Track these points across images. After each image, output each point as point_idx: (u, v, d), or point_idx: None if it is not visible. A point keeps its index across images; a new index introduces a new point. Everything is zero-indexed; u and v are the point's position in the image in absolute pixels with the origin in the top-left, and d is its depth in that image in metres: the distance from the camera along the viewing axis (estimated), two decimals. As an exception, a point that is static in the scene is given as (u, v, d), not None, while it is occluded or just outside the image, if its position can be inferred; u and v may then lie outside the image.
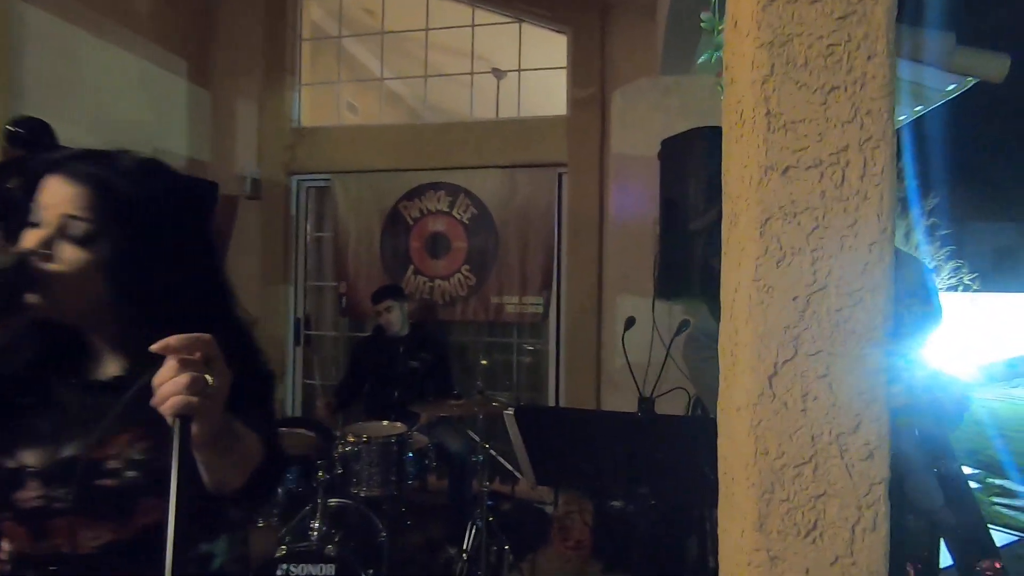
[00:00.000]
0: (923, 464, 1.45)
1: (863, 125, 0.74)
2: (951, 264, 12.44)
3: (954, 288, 12.00)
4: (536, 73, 3.93)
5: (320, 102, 4.31)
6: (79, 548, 0.74)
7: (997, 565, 1.95)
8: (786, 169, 0.76)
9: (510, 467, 3.04)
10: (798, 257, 0.75)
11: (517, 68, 3.83)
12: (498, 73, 4.40)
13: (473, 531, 2.48)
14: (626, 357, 2.14)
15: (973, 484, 4.75)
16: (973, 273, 12.43)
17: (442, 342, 3.27)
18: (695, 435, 0.97)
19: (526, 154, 3.54)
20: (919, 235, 12.96)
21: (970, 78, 3.07)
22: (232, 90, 3.71)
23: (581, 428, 1.15)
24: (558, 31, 3.56)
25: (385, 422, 2.44)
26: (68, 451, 0.74)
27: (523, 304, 3.51)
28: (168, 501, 0.59)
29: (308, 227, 3.89)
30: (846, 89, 0.74)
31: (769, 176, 0.76)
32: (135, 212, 0.75)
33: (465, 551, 2.51)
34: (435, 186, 3.63)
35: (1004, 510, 4.09)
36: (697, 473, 0.87)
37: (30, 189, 0.75)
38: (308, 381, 3.89)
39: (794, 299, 0.75)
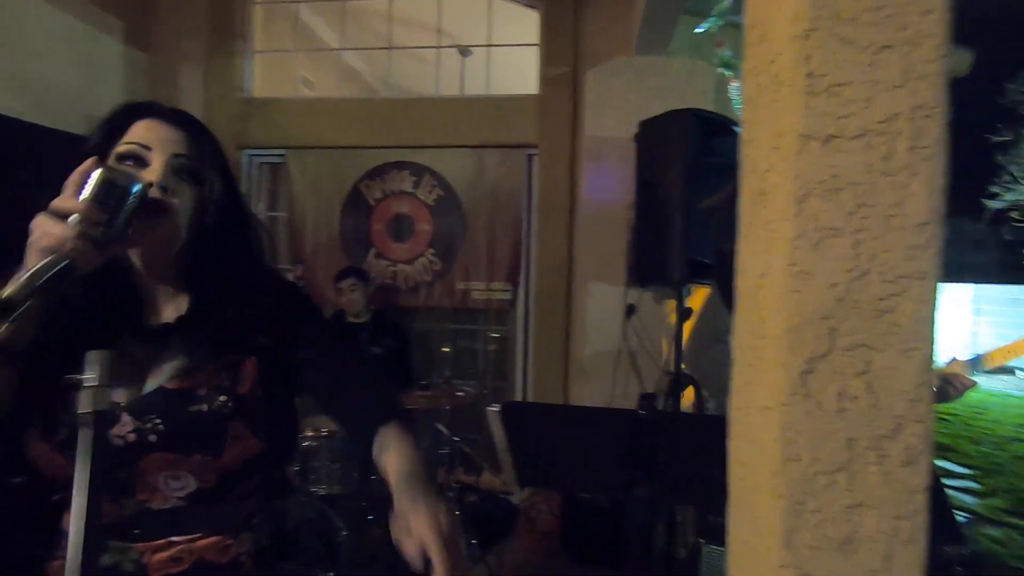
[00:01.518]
0: None
1: (915, 91, 0.65)
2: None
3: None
4: (506, 50, 3.78)
5: (274, 72, 4.03)
6: (165, 500, 0.77)
7: (962, 551, 1.98)
8: (828, 138, 0.66)
9: (476, 459, 2.94)
10: (838, 239, 0.67)
11: (486, 44, 3.67)
12: (464, 51, 4.23)
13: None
14: (637, 345, 2.05)
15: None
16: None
17: (405, 329, 3.13)
18: (704, 434, 0.89)
19: (495, 134, 3.41)
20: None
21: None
22: (174, 54, 3.41)
23: (574, 427, 1.06)
24: (529, 6, 3.42)
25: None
26: (152, 386, 0.78)
27: (490, 290, 3.40)
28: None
29: (260, 206, 3.64)
30: (897, 48, 0.65)
31: (808, 146, 0.67)
32: (219, 155, 0.85)
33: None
34: (399, 165, 3.45)
35: (947, 491, 4.28)
36: (703, 475, 0.78)
37: (112, 133, 0.79)
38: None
39: (832, 286, 0.67)
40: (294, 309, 0.88)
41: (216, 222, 0.81)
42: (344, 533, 2.21)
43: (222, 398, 0.79)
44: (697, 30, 1.51)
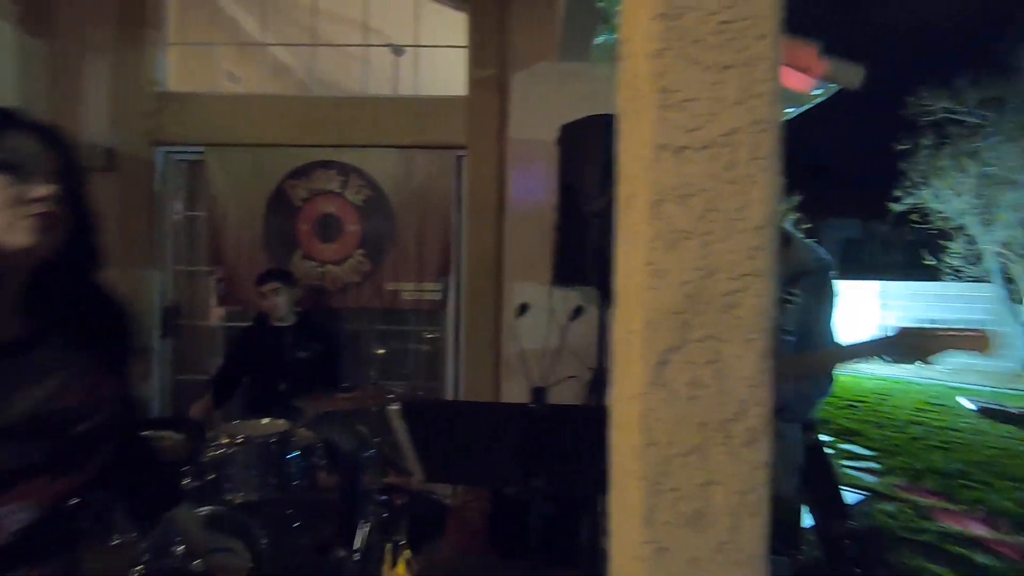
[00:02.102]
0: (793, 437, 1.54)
1: (752, 108, 0.72)
2: (811, 255, 13.96)
3: (813, 276, 13.48)
4: (437, 50, 3.79)
5: (192, 66, 3.86)
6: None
7: (848, 526, 2.16)
8: (679, 149, 0.73)
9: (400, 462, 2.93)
10: (687, 241, 0.73)
11: (414, 44, 3.66)
12: (396, 50, 4.20)
13: (365, 529, 2.36)
14: (538, 344, 2.11)
15: (826, 450, 5.35)
16: (828, 263, 14.05)
17: (333, 331, 3.08)
18: (590, 425, 0.94)
19: (424, 135, 3.40)
20: (787, 227, 14.40)
21: (832, 85, 3.37)
22: (78, 44, 3.19)
23: (471, 421, 1.09)
24: (457, 8, 3.44)
25: (265, 420, 2.24)
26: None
27: (420, 291, 3.39)
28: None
29: (177, 205, 3.48)
30: (737, 69, 0.72)
31: (663, 155, 0.73)
32: (80, 171, 0.82)
33: (356, 550, 2.39)
34: (325, 165, 3.38)
35: (852, 472, 4.64)
36: (593, 464, 0.84)
37: None
38: (181, 377, 3.51)
39: (684, 284, 0.73)
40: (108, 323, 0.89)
41: (70, 241, 0.80)
42: (264, 542, 2.16)
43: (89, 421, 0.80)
44: (596, 41, 1.59)
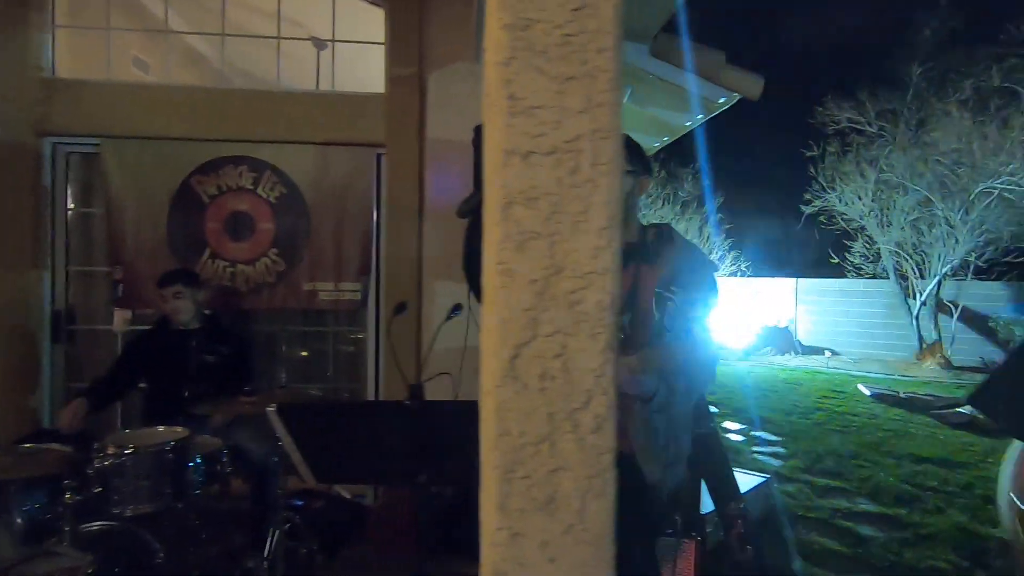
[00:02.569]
0: (644, 429, 1.60)
1: (595, 116, 0.77)
2: (732, 253, 14.77)
3: (733, 273, 14.27)
4: (361, 46, 3.72)
5: (87, 50, 3.60)
6: None
7: (740, 507, 2.31)
8: (527, 154, 0.77)
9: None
10: (536, 241, 0.77)
11: (331, 39, 3.58)
12: (318, 43, 4.09)
13: (276, 535, 2.29)
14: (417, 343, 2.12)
15: (738, 437, 5.68)
16: (747, 261, 14.92)
17: (242, 333, 2.96)
18: (462, 419, 0.97)
19: (343, 132, 3.34)
20: (711, 227, 15.15)
21: (735, 93, 3.58)
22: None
23: (348, 420, 1.09)
24: (375, 4, 3.39)
25: (161, 427, 2.13)
26: None
27: (339, 291, 3.33)
28: None
29: (69, 201, 3.24)
30: (580, 79, 0.77)
31: (511, 160, 0.77)
32: None
33: (266, 558, 2.32)
34: (236, 160, 3.26)
35: (760, 457, 4.96)
36: (468, 458, 0.87)
37: None
38: (75, 385, 3.27)
39: (533, 282, 0.77)
40: None
41: None
42: (161, 556, 2.06)
43: None
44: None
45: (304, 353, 3.76)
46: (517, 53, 0.76)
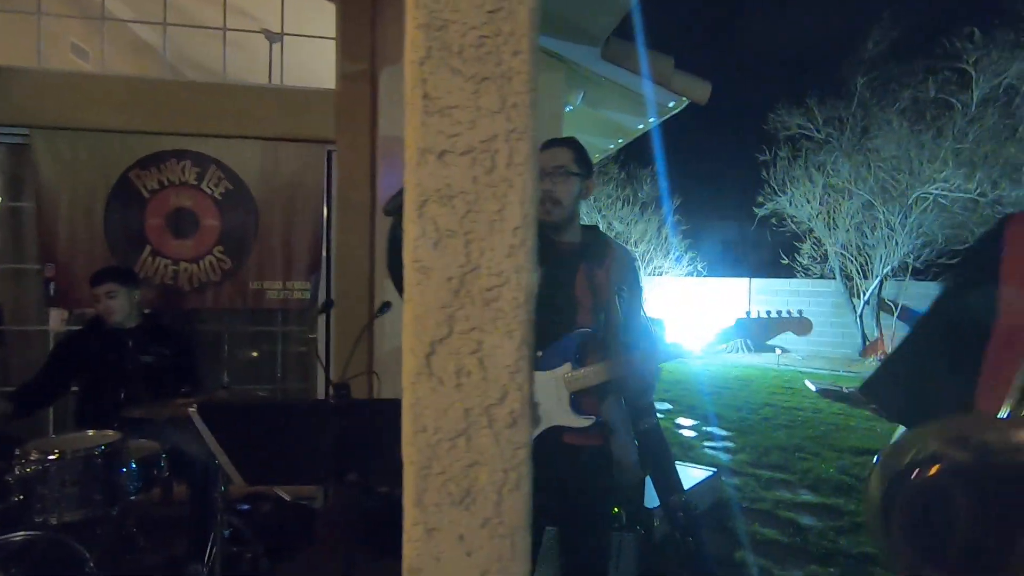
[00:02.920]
0: (624, 430, 1.68)
1: (510, 117, 0.78)
2: (689, 254, 15.15)
3: (690, 273, 14.65)
4: (314, 40, 3.65)
5: (17, 35, 3.42)
6: None
7: (682, 499, 2.38)
8: (442, 153, 0.78)
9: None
10: (454, 239, 0.78)
11: (281, 32, 3.51)
12: (270, 36, 4.00)
13: (217, 541, 2.23)
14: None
15: (691, 433, 5.83)
16: (704, 261, 15.33)
17: (183, 333, 2.87)
18: (388, 417, 0.97)
19: (293, 127, 3.28)
20: (668, 229, 15.50)
21: (685, 98, 3.68)
22: None
23: (273, 420, 1.08)
24: (326, -2, 3.34)
25: (91, 431, 2.05)
26: None
27: (288, 290, 3.26)
28: None
29: (-4, 194, 3.08)
30: (495, 80, 0.78)
31: (426, 158, 0.77)
32: None
33: (206, 564, 2.26)
34: (179, 154, 3.15)
35: (711, 451, 5.10)
36: (396, 456, 0.87)
37: None
38: (3, 388, 3.10)
39: (449, 279, 0.78)
40: None
41: None
42: (91, 566, 1.98)
43: None
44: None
45: (254, 354, 3.67)
46: (432, 53, 0.77)
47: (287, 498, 2.99)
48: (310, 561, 2.81)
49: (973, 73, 10.32)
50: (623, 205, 14.96)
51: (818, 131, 12.63)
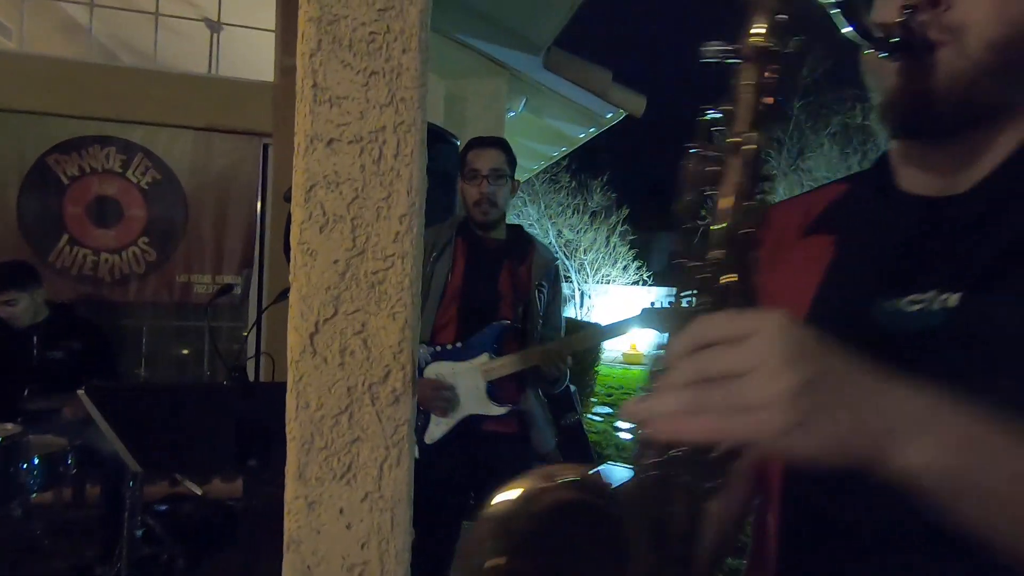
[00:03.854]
0: (543, 420, 1.73)
1: (399, 110, 0.83)
2: (636, 263, 15.55)
3: (636, 283, 15.04)
4: (251, 31, 3.59)
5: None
6: None
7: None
8: (330, 141, 0.81)
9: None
10: (341, 223, 0.82)
11: (218, 20, 3.44)
12: (211, 24, 3.90)
13: (128, 542, 2.15)
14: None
15: (627, 435, 6.01)
16: (651, 272, 15.77)
17: (95, 326, 2.74)
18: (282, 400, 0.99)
19: (227, 118, 3.20)
20: (616, 238, 15.86)
21: (622, 110, 3.82)
22: None
23: (168, 403, 1.07)
24: (266, -10, 3.30)
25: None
26: None
27: (217, 283, 3.18)
28: None
29: None
30: (384, 75, 0.82)
31: (315, 146, 0.81)
32: None
33: (115, 565, 2.17)
34: (103, 140, 3.03)
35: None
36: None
37: None
38: None
39: (335, 262, 0.82)
40: None
41: None
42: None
43: None
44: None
45: (185, 351, 3.55)
46: (323, 46, 0.81)
47: (229, 500, 2.91)
48: (231, 561, 2.74)
49: (895, 102, 11.14)
50: (573, 213, 15.22)
51: (758, 150, 13.27)
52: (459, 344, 1.60)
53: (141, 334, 3.18)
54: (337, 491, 0.82)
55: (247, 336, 3.30)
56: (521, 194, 14.64)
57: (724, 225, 0.35)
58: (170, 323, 3.28)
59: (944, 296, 0.40)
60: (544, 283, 1.71)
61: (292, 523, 0.82)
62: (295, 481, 0.81)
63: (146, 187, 3.08)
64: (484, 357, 1.58)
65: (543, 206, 14.74)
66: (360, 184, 0.82)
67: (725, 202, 0.35)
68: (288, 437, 0.82)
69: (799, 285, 0.49)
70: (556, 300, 1.76)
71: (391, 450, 0.84)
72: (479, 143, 1.72)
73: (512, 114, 4.00)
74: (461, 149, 1.81)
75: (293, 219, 0.81)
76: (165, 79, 3.20)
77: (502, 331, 1.62)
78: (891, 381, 0.32)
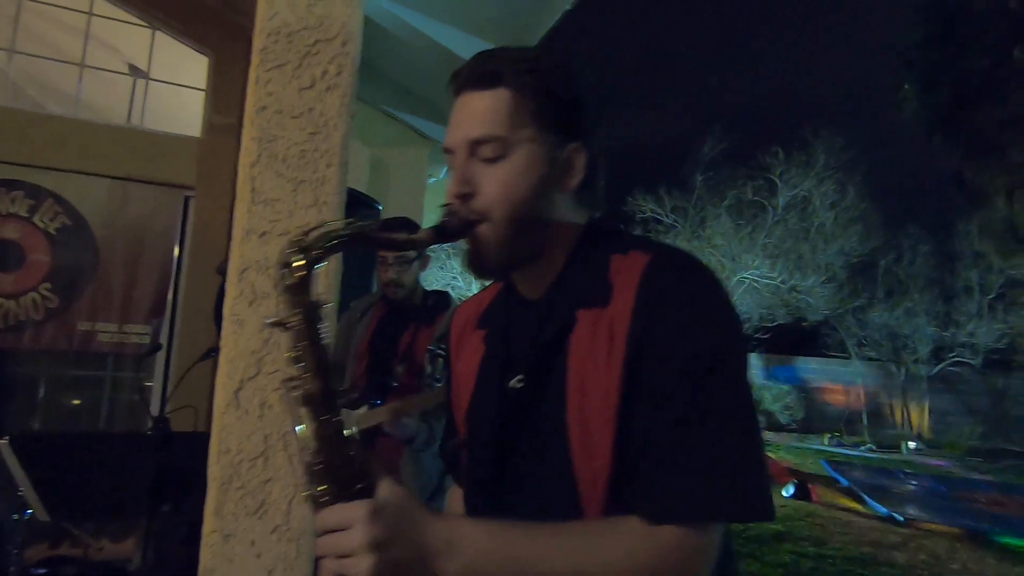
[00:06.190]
0: (413, 480, 1.82)
1: (321, 211, 1.05)
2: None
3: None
4: (177, 79, 3.67)
5: None
6: None
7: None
8: (263, 233, 1.01)
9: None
10: (267, 300, 1.01)
11: (146, 76, 3.52)
12: (138, 72, 3.94)
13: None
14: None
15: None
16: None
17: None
18: (203, 450, 1.11)
19: (148, 169, 3.24)
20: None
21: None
22: None
23: (89, 452, 1.15)
24: (199, 52, 3.45)
25: None
26: None
27: (123, 333, 3.12)
28: None
29: None
30: (311, 184, 1.04)
31: (250, 237, 1.00)
32: None
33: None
34: (9, 184, 2.98)
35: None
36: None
37: None
38: None
39: (261, 331, 1.00)
40: None
41: None
42: None
43: None
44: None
45: (76, 401, 3.39)
46: (262, 158, 1.01)
47: (121, 561, 2.76)
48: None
49: (779, 183, 12.64)
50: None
51: (667, 216, 14.43)
52: (355, 395, 1.75)
53: (38, 383, 3.04)
54: (250, 525, 0.97)
55: (153, 386, 3.23)
56: (445, 247, 14.94)
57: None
58: (68, 372, 3.16)
59: (519, 377, 0.59)
60: (445, 346, 1.90)
61: (207, 554, 0.95)
62: (213, 516, 0.95)
63: (53, 232, 3.04)
64: (364, 408, 1.71)
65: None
66: (286, 268, 1.01)
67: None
68: (209, 478, 0.97)
69: (470, 371, 0.67)
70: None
71: (299, 488, 1.00)
72: (386, 225, 1.82)
73: (434, 180, 4.28)
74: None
75: (227, 295, 0.99)
76: (82, 127, 3.22)
77: (383, 386, 1.77)
78: (436, 521, 0.50)
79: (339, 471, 0.52)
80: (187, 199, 3.33)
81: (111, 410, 3.26)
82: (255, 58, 1.02)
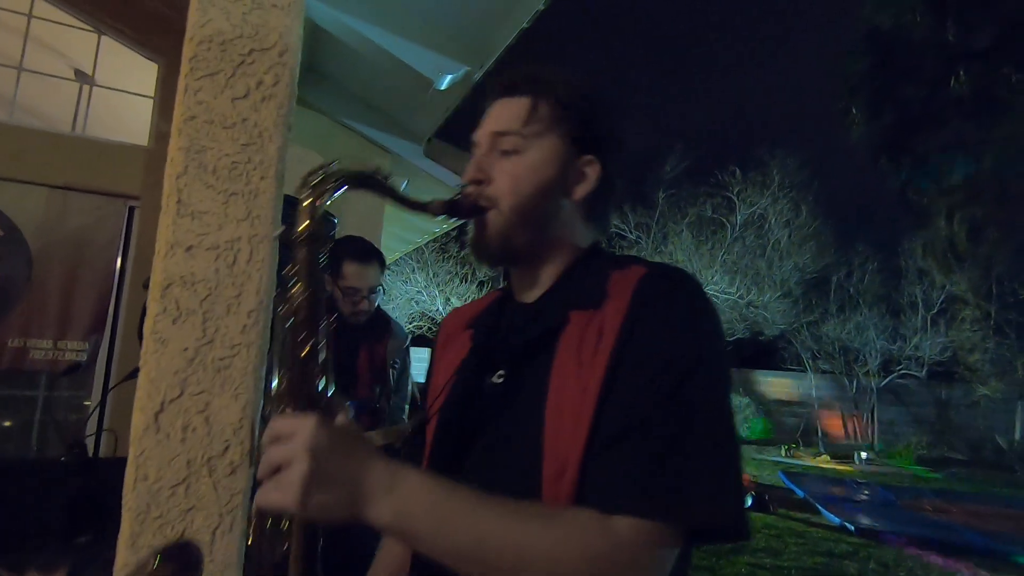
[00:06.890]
0: None
1: (253, 224, 1.01)
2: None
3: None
4: (124, 85, 3.55)
5: None
6: None
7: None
8: (189, 247, 0.96)
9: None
10: (192, 317, 0.96)
11: (92, 82, 3.39)
12: (84, 77, 3.79)
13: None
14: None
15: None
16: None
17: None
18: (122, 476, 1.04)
19: (89, 178, 3.11)
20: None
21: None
22: None
23: (1, 480, 1.07)
24: (148, 59, 3.34)
25: None
26: None
27: (58, 350, 2.96)
28: None
29: None
30: (243, 196, 1.00)
31: (175, 251, 0.96)
32: None
33: None
34: (-64, 191, 2.80)
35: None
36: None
37: None
38: None
39: (185, 350, 0.95)
40: None
41: None
42: None
43: None
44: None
45: (7, 423, 3.18)
46: (189, 170, 0.97)
47: None
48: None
49: (737, 202, 13.03)
50: (461, 282, 15.59)
51: (631, 232, 14.67)
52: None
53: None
54: (168, 557, 0.91)
55: (90, 406, 3.07)
56: (410, 261, 14.82)
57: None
58: (4, 392, 2.97)
59: (500, 372, 0.61)
60: (397, 360, 1.89)
61: (120, 591, 0.89)
62: (127, 550, 0.89)
63: (-17, 244, 2.86)
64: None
65: (431, 274, 14.96)
66: (214, 284, 0.97)
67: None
68: (124, 508, 0.90)
69: (450, 366, 0.69)
70: (405, 373, 1.94)
71: (224, 517, 0.95)
72: (359, 257, 1.72)
73: (394, 193, 4.24)
74: (334, 250, 1.74)
75: (148, 311, 0.94)
76: (18, 133, 3.07)
77: (354, 408, 1.75)
78: (381, 459, 0.48)
79: (303, 393, 0.51)
80: (132, 209, 3.20)
81: (42, 431, 3.07)
82: (184, 67, 0.98)
